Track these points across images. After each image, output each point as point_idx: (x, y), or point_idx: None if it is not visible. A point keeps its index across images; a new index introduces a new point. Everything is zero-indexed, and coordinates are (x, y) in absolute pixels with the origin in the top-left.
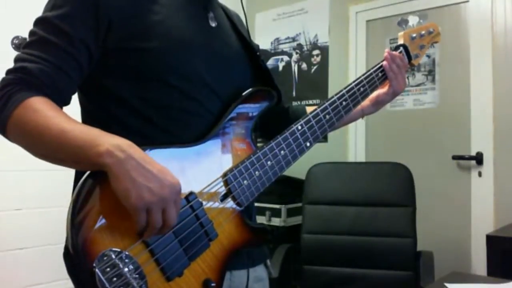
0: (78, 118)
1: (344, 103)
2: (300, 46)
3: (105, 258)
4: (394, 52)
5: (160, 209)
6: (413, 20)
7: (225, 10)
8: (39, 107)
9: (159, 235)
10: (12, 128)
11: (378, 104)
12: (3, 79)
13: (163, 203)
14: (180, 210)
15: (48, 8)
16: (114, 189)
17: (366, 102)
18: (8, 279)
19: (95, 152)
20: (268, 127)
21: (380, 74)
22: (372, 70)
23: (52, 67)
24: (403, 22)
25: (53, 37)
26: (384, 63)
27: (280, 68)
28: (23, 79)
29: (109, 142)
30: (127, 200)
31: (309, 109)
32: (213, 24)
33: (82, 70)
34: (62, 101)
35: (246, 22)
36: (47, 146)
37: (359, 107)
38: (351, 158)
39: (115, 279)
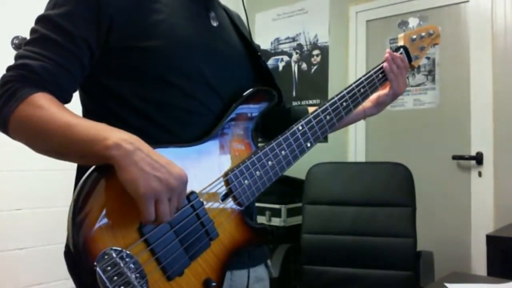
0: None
1: (344, 104)
2: (300, 46)
3: (106, 257)
4: (395, 53)
5: (167, 198)
6: (413, 22)
7: (226, 10)
8: (43, 102)
9: (159, 224)
10: (14, 124)
11: (380, 105)
12: (4, 76)
13: (171, 193)
14: (182, 207)
15: (50, 6)
16: (121, 181)
17: (368, 104)
18: (8, 279)
19: (103, 146)
20: (270, 127)
21: (380, 75)
22: (372, 72)
23: (54, 64)
24: (403, 24)
25: (54, 35)
26: (385, 64)
27: (280, 68)
28: (24, 76)
29: (117, 136)
30: (135, 190)
31: (310, 110)
32: (215, 24)
33: (84, 68)
34: (63, 98)
35: (248, 22)
36: (52, 141)
37: (361, 108)
38: (351, 158)
39: (115, 278)
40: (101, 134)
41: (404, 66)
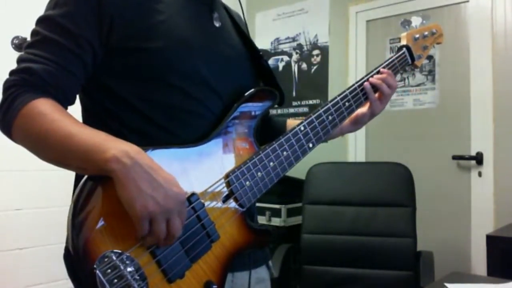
0: (78, 116)
1: (346, 104)
2: (300, 46)
3: (106, 259)
4: (385, 75)
5: (164, 219)
6: (416, 21)
7: (227, 9)
8: (45, 109)
9: (166, 245)
10: (17, 130)
11: (357, 123)
12: (7, 80)
13: (167, 214)
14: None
15: (51, 6)
16: (119, 196)
17: (345, 122)
18: (8, 279)
19: (102, 158)
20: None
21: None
22: (374, 71)
23: (57, 67)
24: (406, 23)
25: (57, 37)
26: (366, 83)
27: (280, 68)
28: (27, 80)
29: (117, 148)
30: (131, 208)
31: (290, 122)
32: (217, 25)
33: (87, 69)
34: (67, 101)
35: (245, 22)
36: (53, 150)
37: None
38: (351, 158)
39: (116, 280)
40: (101, 146)
41: (394, 87)
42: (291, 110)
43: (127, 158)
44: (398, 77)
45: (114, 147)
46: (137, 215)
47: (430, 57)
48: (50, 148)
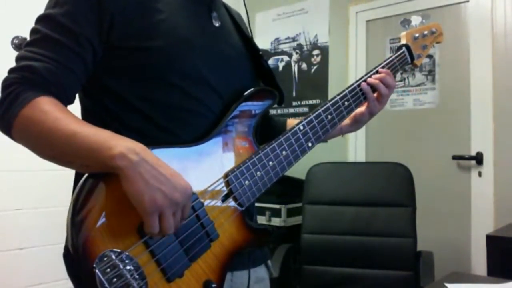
0: (78, 116)
1: (346, 103)
2: (300, 46)
3: (105, 258)
4: (383, 74)
5: (172, 212)
6: (415, 20)
7: (228, 9)
8: (47, 107)
9: (163, 236)
10: (18, 128)
11: (357, 123)
12: (6, 78)
13: (175, 207)
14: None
15: (51, 5)
16: (126, 192)
17: (346, 121)
18: (8, 279)
19: (108, 155)
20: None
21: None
22: (374, 71)
23: (58, 65)
24: (405, 22)
25: (57, 35)
26: (363, 84)
27: (280, 68)
28: (28, 78)
29: (123, 145)
30: (139, 203)
31: (290, 123)
32: (217, 24)
33: (87, 67)
34: (67, 100)
35: (249, 21)
36: (56, 148)
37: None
38: (351, 158)
39: (115, 279)
40: (106, 143)
41: (392, 86)
42: (291, 110)
43: (134, 155)
44: (398, 77)
45: (120, 144)
46: (146, 209)
47: (430, 57)
48: (52, 146)
